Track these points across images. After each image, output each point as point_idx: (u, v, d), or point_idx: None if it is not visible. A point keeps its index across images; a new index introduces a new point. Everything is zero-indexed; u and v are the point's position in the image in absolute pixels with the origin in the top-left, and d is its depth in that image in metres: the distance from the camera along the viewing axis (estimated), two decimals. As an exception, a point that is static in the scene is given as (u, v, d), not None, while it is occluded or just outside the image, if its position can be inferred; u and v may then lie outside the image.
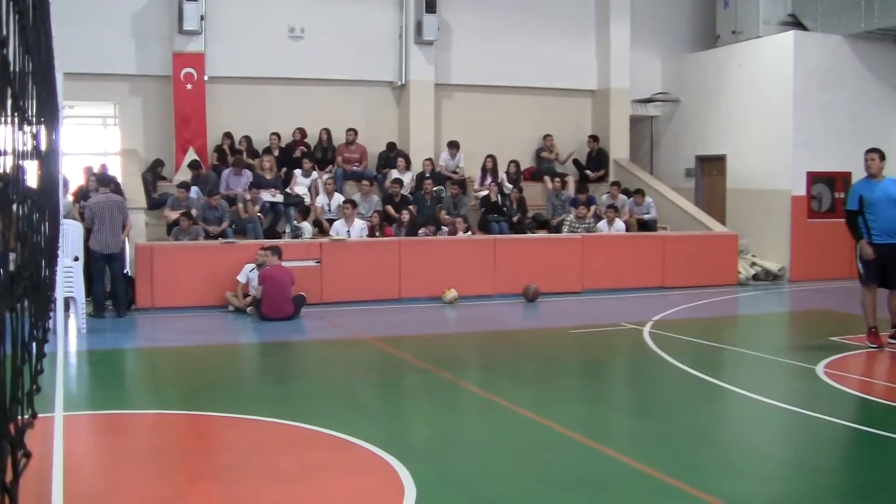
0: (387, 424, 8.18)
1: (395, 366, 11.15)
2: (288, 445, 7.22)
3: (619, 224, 18.80)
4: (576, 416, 8.36)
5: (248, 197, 17.13)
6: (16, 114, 3.43)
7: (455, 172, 19.88)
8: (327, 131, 19.56)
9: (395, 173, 19.17)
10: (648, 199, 19.85)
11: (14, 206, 3.37)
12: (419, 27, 19.96)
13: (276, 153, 18.97)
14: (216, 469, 6.69)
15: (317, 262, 15.98)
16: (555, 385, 9.87)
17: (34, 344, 4.44)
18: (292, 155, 19.12)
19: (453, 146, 20.10)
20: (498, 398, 8.87)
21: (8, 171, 3.16)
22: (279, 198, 17.82)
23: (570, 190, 20.09)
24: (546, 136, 21.18)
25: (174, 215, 16.42)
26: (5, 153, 3.18)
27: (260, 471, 6.42)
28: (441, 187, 19.10)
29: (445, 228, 17.84)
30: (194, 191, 17.34)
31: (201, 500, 5.97)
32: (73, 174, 16.80)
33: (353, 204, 17.44)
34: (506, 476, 6.48)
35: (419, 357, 11.23)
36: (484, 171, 19.90)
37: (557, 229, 18.81)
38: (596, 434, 7.63)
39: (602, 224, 18.71)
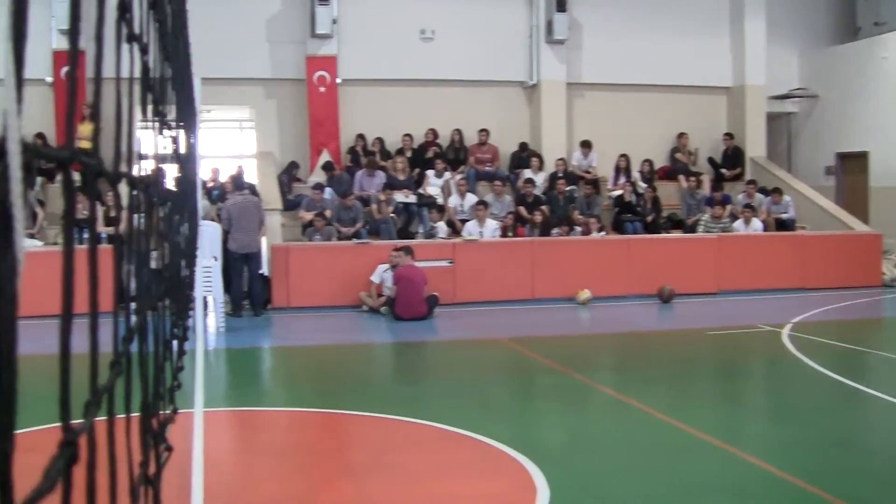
0: (518, 425, 8.14)
1: (527, 366, 11.09)
2: (420, 445, 7.25)
3: (757, 223, 18.31)
4: (712, 420, 8.16)
5: (381, 198, 17.30)
6: (156, 119, 3.52)
7: (588, 172, 19.70)
8: (459, 132, 19.63)
9: (527, 173, 19.11)
10: (786, 197, 19.28)
11: (155, 208, 3.45)
12: (550, 26, 19.85)
13: (408, 154, 19.13)
14: (349, 467, 6.76)
15: (450, 263, 16.04)
16: (690, 388, 9.66)
17: (175, 342, 4.55)
18: (424, 156, 19.25)
19: (586, 146, 19.93)
20: (631, 400, 8.72)
21: (149, 173, 3.24)
22: (412, 198, 17.96)
23: (706, 189, 19.68)
24: (681, 135, 20.80)
25: (309, 216, 16.71)
26: (147, 157, 3.26)
27: (392, 469, 6.46)
28: (574, 187, 18.95)
29: (578, 228, 17.70)
30: (329, 192, 17.61)
31: (334, 496, 6.04)
32: (206, 176, 17.24)
33: (486, 204, 17.45)
34: (639, 480, 6.35)
35: (551, 358, 11.15)
36: (617, 170, 19.68)
37: (692, 229, 18.45)
38: (733, 439, 7.42)
39: (738, 224, 18.26)
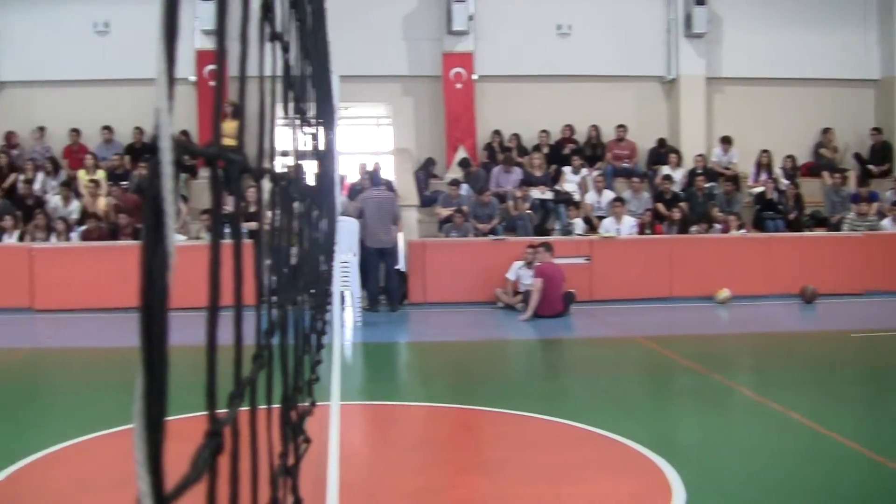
0: (654, 425, 8.02)
1: (663, 365, 10.93)
2: (554, 442, 7.22)
3: (906, 221, 17.64)
4: (860, 427, 7.85)
5: (518, 194, 17.30)
6: (297, 116, 3.59)
7: (728, 168, 19.29)
8: (596, 128, 19.48)
9: (665, 170, 18.83)
10: (940, 194, 18.51)
11: (295, 204, 3.52)
12: (688, 20, 19.51)
13: (545, 150, 19.07)
14: (483, 463, 6.78)
15: (587, 260, 15.94)
16: (835, 392, 9.34)
17: (314, 336, 4.63)
18: (561, 152, 19.16)
19: (726, 141, 19.52)
20: (772, 403, 8.49)
21: (290, 170, 3.30)
22: (549, 195, 17.90)
23: (851, 185, 19.04)
24: (826, 130, 20.16)
25: (446, 212, 16.83)
26: (287, 153, 3.33)
27: (525, 467, 6.44)
28: (713, 184, 18.58)
29: (718, 226, 17.34)
30: (465, 188, 17.70)
31: (467, 493, 6.06)
32: (348, 172, 17.52)
33: (622, 201, 17.27)
34: (779, 486, 6.17)
35: (689, 357, 10.95)
36: (758, 166, 19.21)
37: (837, 227, 17.85)
38: (881, 447, 7.11)
39: (886, 222, 17.59)
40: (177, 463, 1.13)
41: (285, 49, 2.86)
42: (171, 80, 1.00)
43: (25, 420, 8.35)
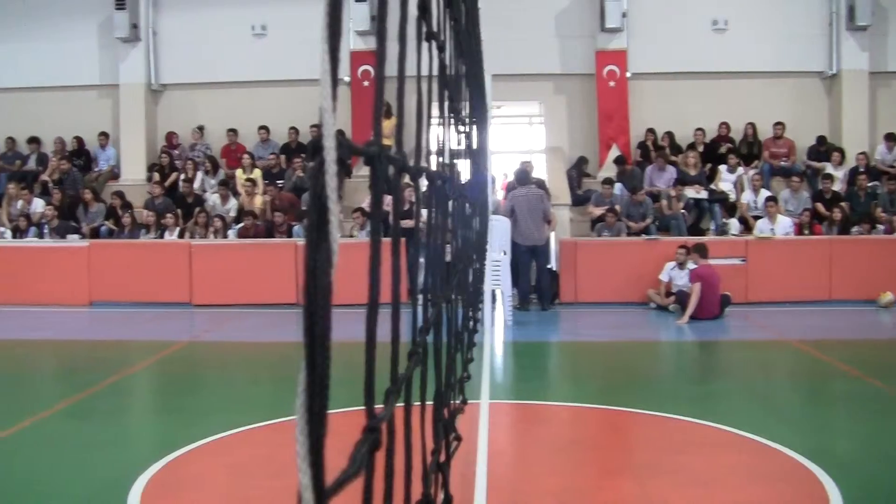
0: (809, 431, 7.74)
1: (820, 370, 10.57)
2: (705, 447, 7.07)
3: None
4: None
5: (672, 193, 17.01)
6: (451, 115, 3.61)
7: (892, 167, 18.50)
8: (753, 125, 18.96)
9: (827, 168, 18.20)
10: None
11: (449, 203, 3.54)
12: (851, 12, 18.76)
13: (700, 149, 18.69)
14: (631, 466, 6.69)
15: (742, 261, 15.56)
16: None
17: (466, 334, 4.65)
18: (717, 150, 18.74)
19: (890, 139, 18.70)
20: (940, 412, 8.12)
21: (444, 169, 3.32)
22: (703, 194, 17.54)
23: None
24: None
25: (598, 211, 16.70)
26: (442, 152, 3.35)
27: (675, 471, 6.32)
28: (877, 183, 17.85)
29: (881, 227, 16.66)
30: (618, 187, 17.51)
31: (615, 495, 5.98)
32: (500, 172, 17.58)
33: (775, 200, 16.77)
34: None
35: (847, 362, 10.55)
36: (926, 165, 18.38)
37: None
38: None
39: None
40: (330, 457, 1.15)
41: (441, 48, 2.87)
42: (335, 81, 1.01)
43: (184, 410, 8.67)
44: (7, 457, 7.01)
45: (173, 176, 18.69)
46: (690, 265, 14.41)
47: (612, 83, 19.04)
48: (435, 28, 2.62)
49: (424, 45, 2.39)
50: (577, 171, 18.63)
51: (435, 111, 2.86)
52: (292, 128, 19.12)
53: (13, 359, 11.87)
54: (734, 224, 16.77)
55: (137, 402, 9.80)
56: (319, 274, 0.91)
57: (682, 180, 17.44)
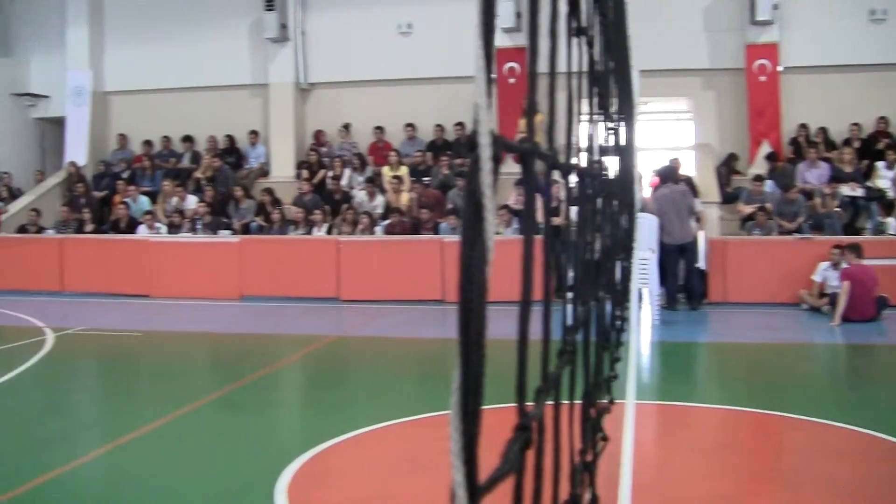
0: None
1: None
2: (859, 454, 6.81)
3: None
4: None
5: (826, 191, 16.47)
6: (600, 111, 3.58)
7: None
8: (913, 120, 18.21)
9: None
10: None
11: (598, 200, 3.51)
12: None
13: (856, 145, 18.03)
14: (781, 472, 6.51)
15: (900, 261, 14.95)
16: None
17: (613, 332, 4.61)
18: (874, 146, 18.04)
19: None
20: None
21: (592, 165, 3.29)
22: (859, 192, 16.91)
23: None
24: None
25: (748, 209, 16.31)
26: (590, 149, 3.32)
27: (828, 479, 6.12)
28: None
29: None
30: (769, 184, 17.06)
31: (763, 502, 5.83)
32: (648, 169, 17.32)
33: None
34: None
35: None
36: None
37: None
38: None
39: None
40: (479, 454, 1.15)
41: (590, 44, 2.85)
42: (489, 77, 1.01)
43: (330, 404, 8.84)
44: (162, 444, 7.29)
45: (321, 173, 19.09)
46: (844, 265, 13.92)
47: (762, 77, 18.55)
48: (584, 23, 2.60)
49: (573, 40, 2.37)
50: (727, 168, 18.23)
51: (584, 108, 2.84)
52: (438, 125, 19.29)
53: (168, 350, 12.33)
54: (892, 223, 16.11)
55: (285, 394, 10.05)
56: (475, 271, 0.91)
57: (837, 177, 16.87)
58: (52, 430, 7.81)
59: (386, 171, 18.43)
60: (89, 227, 18.53)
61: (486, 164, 0.93)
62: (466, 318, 0.91)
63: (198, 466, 6.70)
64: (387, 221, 17.08)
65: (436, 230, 16.53)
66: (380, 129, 19.73)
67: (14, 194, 20.64)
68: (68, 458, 6.92)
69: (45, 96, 22.18)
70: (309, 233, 17.15)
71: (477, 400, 0.92)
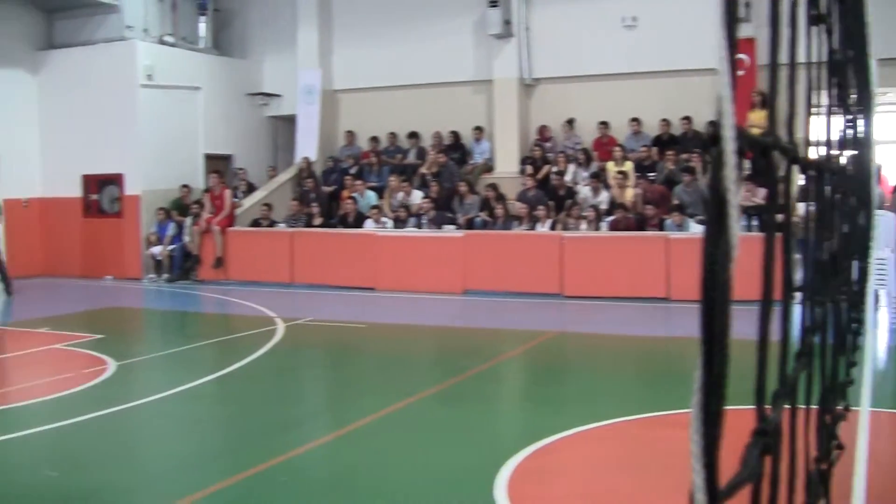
0: None
1: None
2: None
3: None
4: None
5: None
6: (839, 103, 3.42)
7: None
8: None
9: None
10: None
11: (832, 195, 3.36)
12: None
13: None
14: None
15: None
16: None
17: (849, 335, 4.40)
18: None
19: None
20: None
21: (826, 158, 3.15)
22: None
23: None
24: None
25: None
26: (829, 143, 3.17)
27: None
28: None
29: None
30: None
31: None
32: (886, 163, 16.46)
33: None
34: None
35: None
36: None
37: None
38: None
39: None
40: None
41: (829, 32, 2.73)
42: (733, 68, 0.97)
43: (550, 399, 8.84)
44: (383, 434, 7.49)
45: (545, 168, 19.11)
46: None
47: None
48: (823, 11, 2.49)
49: (812, 29, 2.28)
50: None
51: (821, 99, 2.72)
52: (664, 119, 18.93)
53: (392, 342, 12.66)
54: None
55: (505, 389, 10.12)
56: (719, 269, 0.88)
57: None
58: (283, 416, 8.18)
59: (610, 167, 18.26)
60: (318, 220, 19.24)
61: (731, 159, 0.90)
62: (710, 316, 0.88)
63: (415, 458, 6.84)
64: (611, 217, 16.92)
65: (661, 226, 16.25)
66: (604, 123, 19.55)
67: (250, 189, 21.68)
68: (300, 442, 7.24)
69: (278, 95, 23.19)
70: (532, 228, 17.21)
71: (719, 402, 0.89)
